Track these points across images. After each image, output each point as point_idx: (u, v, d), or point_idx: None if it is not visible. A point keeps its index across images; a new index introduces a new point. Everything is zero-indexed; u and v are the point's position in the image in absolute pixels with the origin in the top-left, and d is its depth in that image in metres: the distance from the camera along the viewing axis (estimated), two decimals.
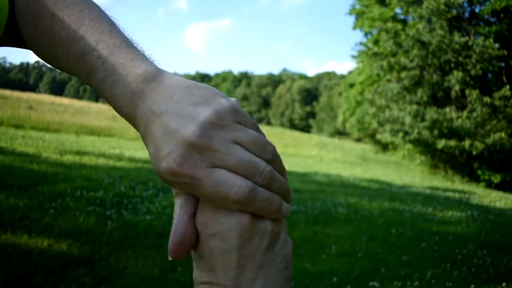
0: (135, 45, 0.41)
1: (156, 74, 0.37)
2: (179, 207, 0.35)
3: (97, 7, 0.43)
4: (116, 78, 0.38)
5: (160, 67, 0.39)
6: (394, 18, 19.95)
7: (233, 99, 0.37)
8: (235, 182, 0.32)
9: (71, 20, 0.41)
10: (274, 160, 0.36)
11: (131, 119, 0.38)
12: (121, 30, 0.42)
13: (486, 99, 13.06)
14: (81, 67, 0.40)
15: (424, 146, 15.18)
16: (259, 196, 0.33)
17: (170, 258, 0.34)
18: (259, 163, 0.34)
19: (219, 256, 0.33)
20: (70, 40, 0.41)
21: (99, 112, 21.18)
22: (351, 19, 23.78)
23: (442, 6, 14.00)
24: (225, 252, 0.33)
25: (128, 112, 0.37)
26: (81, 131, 11.88)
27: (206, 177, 0.32)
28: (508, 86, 13.25)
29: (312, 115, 62.56)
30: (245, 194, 0.32)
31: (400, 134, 15.36)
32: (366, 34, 23.18)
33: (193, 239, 0.34)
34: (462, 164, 15.01)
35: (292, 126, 63.60)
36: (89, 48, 0.40)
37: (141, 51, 0.41)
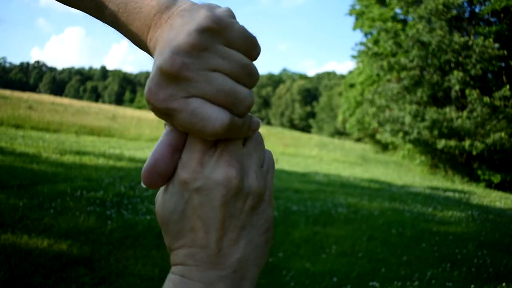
0: None
1: (169, 4, 0.33)
2: (163, 135, 0.34)
3: None
4: (130, 13, 0.35)
5: None
6: (394, 18, 19.97)
7: (221, 10, 0.33)
8: (211, 114, 0.30)
9: None
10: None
11: (151, 55, 0.35)
12: None
13: (486, 99, 13.06)
14: (89, 1, 0.38)
15: (424, 146, 15.17)
16: (235, 127, 0.32)
17: (143, 185, 0.33)
18: (240, 91, 0.31)
19: (202, 214, 0.32)
20: None
21: (99, 112, 21.20)
22: (352, 19, 23.75)
23: (441, 7, 14.00)
24: (209, 210, 0.31)
25: (147, 47, 0.35)
26: (81, 131, 11.88)
27: (182, 108, 0.30)
28: (508, 86, 13.25)
29: (312, 115, 62.56)
30: (222, 128, 0.30)
31: (400, 134, 15.36)
32: (366, 34, 23.19)
33: (166, 170, 0.33)
34: (462, 164, 15.00)
35: (292, 126, 63.63)
36: None
37: None
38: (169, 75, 0.29)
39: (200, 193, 0.32)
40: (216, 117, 0.30)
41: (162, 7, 0.33)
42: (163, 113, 0.31)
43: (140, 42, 0.36)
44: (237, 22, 0.33)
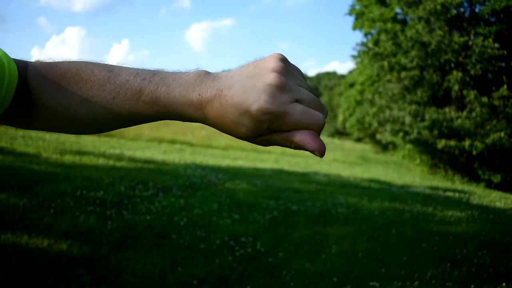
0: None
1: (207, 72, 0.42)
2: None
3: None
4: (169, 85, 0.41)
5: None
6: (394, 19, 19.94)
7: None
8: (314, 113, 0.39)
9: (100, 68, 0.45)
10: None
11: (191, 110, 0.40)
12: None
13: (485, 99, 13.05)
14: (123, 95, 0.42)
15: (424, 146, 15.17)
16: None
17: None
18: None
19: None
20: (105, 80, 0.43)
21: None
22: (352, 19, 23.74)
23: (439, 7, 13.98)
24: None
25: (190, 106, 0.40)
26: None
27: (293, 110, 0.38)
28: (505, 86, 13.24)
29: None
30: (324, 121, 0.39)
31: (400, 134, 15.35)
32: (366, 35, 23.17)
33: None
34: (462, 164, 15.00)
35: None
36: (130, 77, 0.43)
37: None
38: (278, 87, 0.38)
39: None
40: (318, 114, 0.39)
41: (202, 73, 0.41)
42: (277, 117, 0.38)
43: (181, 105, 0.41)
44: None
